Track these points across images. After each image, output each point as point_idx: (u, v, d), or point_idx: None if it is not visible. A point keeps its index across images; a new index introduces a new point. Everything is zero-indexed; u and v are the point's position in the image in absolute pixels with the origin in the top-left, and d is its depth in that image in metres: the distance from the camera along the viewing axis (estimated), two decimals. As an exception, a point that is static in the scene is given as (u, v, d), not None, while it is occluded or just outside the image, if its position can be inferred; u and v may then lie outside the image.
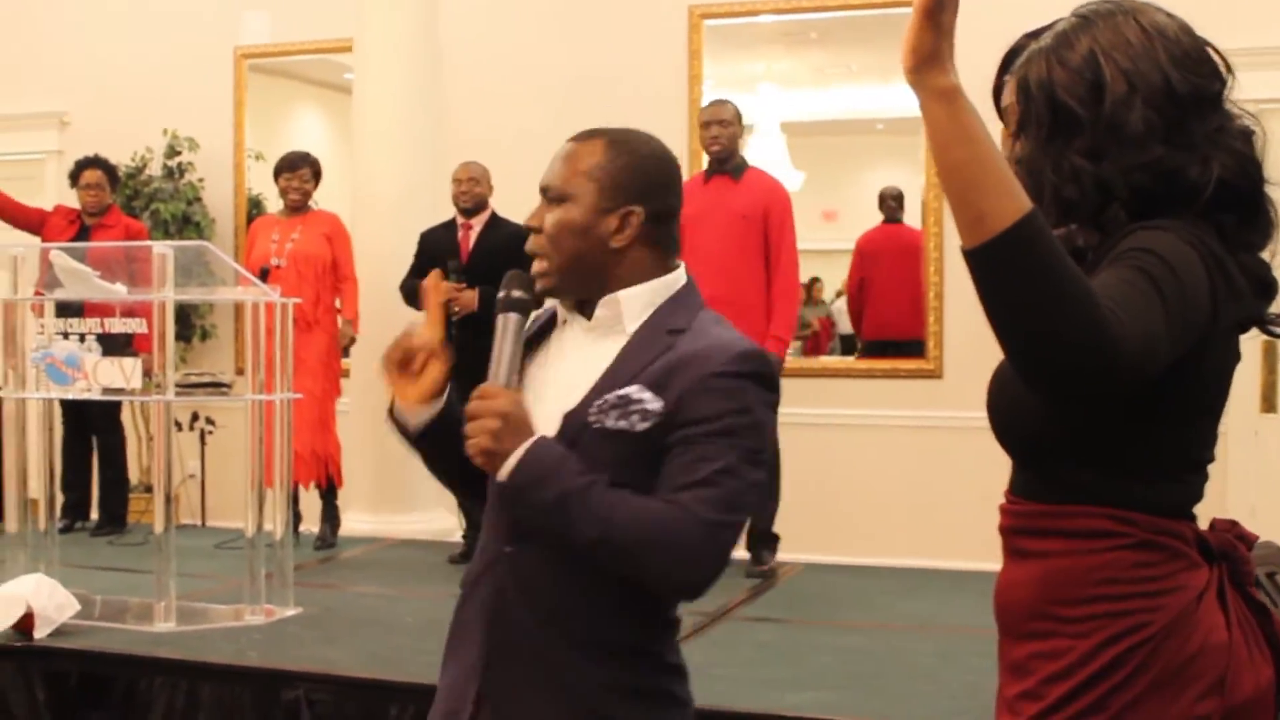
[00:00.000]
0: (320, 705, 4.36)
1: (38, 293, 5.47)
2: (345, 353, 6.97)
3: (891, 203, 7.91)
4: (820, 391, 7.43)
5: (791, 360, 7.20)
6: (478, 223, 6.41)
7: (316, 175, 6.88)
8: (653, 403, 1.93)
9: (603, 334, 2.05)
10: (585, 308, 2.07)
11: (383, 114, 7.29)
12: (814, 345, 9.03)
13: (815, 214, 8.97)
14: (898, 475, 7.26)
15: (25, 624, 4.84)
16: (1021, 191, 1.50)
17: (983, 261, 1.50)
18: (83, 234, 7.17)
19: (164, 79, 9.01)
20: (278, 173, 6.86)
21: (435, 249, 6.37)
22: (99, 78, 9.20)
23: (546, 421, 1.99)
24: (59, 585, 4.97)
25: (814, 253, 8.21)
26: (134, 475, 7.92)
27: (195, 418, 7.81)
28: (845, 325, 8.83)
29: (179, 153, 8.85)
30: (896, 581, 6.18)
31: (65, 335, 5.27)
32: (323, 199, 7.24)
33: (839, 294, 9.21)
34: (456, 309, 6.12)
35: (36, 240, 7.07)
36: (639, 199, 2.03)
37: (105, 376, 5.22)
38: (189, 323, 8.35)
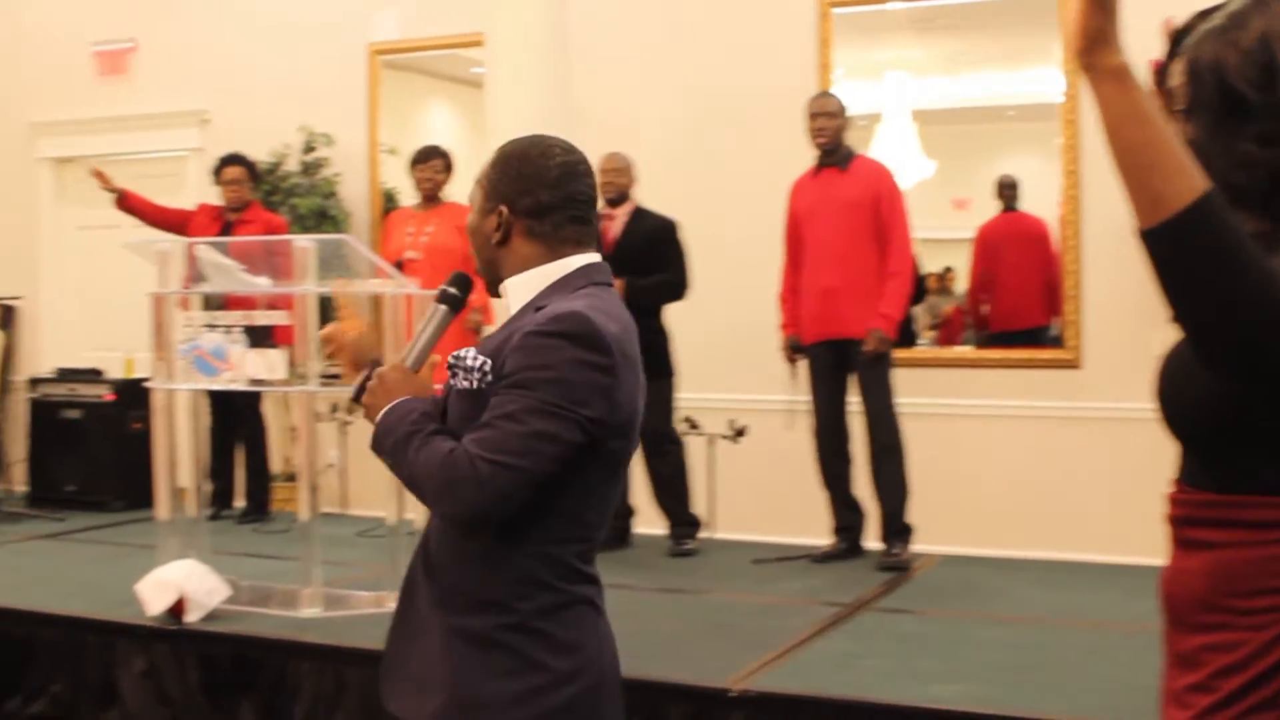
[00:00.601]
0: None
1: (185, 287, 5.60)
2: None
3: (1007, 191, 7.81)
4: (954, 381, 7.36)
5: (924, 350, 7.15)
6: (622, 213, 6.43)
7: (449, 167, 6.95)
8: (474, 360, 2.17)
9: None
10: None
11: (513, 106, 7.32)
12: (947, 335, 8.94)
13: (946, 202, 8.87)
14: (1033, 466, 7.16)
15: (178, 608, 4.98)
16: (1197, 170, 1.48)
17: (1161, 241, 1.48)
18: (225, 230, 7.32)
19: (300, 76, 9.18)
20: (412, 165, 6.95)
21: None
22: (238, 76, 9.39)
23: None
24: (210, 571, 5.10)
25: (945, 242, 8.14)
26: (275, 465, 8.08)
27: (334, 408, 7.95)
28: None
29: (315, 148, 9.01)
30: (1036, 574, 6.09)
31: (211, 328, 5.39)
32: (453, 194, 7.32)
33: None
34: None
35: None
36: (504, 199, 2.27)
37: (251, 368, 5.35)
38: (326, 315, 8.48)
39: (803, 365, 6.21)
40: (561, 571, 2.18)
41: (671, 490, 6.43)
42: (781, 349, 6.27)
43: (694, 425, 6.80)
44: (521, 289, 2.27)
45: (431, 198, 6.90)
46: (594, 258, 2.29)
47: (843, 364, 6.08)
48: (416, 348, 2.33)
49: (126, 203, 7.52)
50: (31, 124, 10.21)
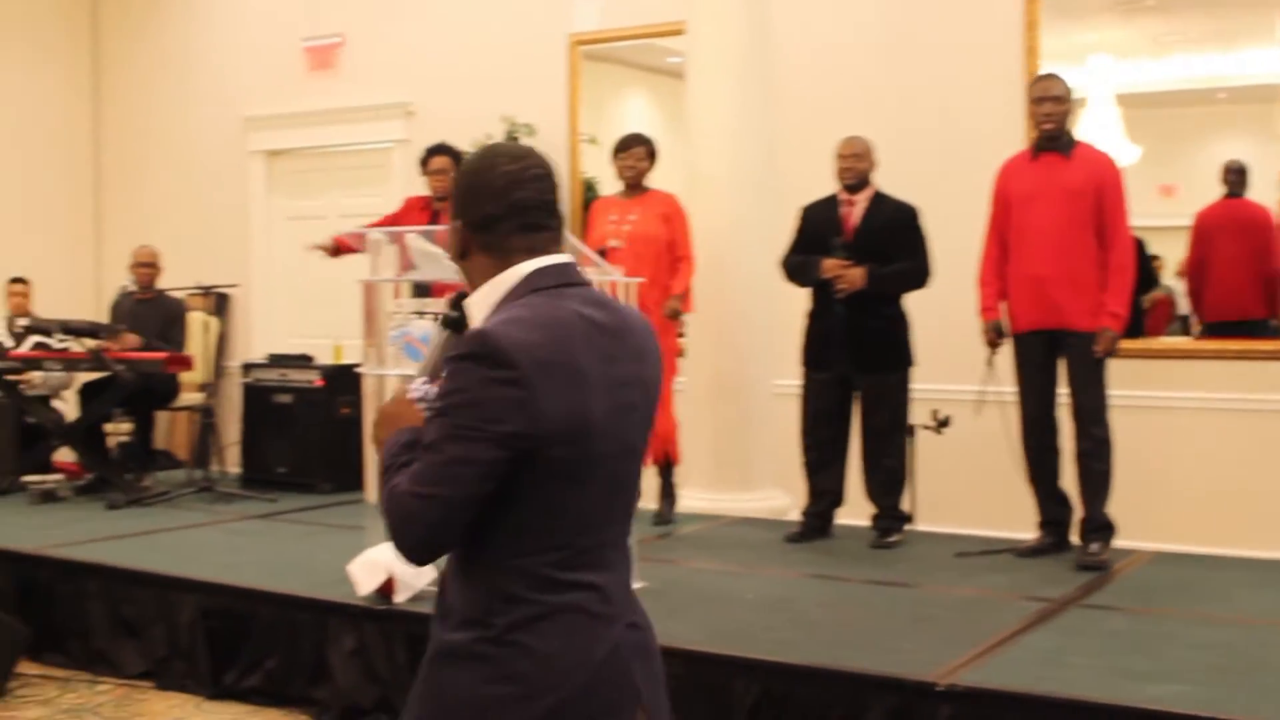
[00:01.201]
0: (667, 679, 4.42)
1: (396, 275, 5.72)
2: (679, 332, 7.05)
3: (1233, 176, 7.53)
4: (1160, 373, 7.16)
5: (1130, 342, 6.94)
6: (861, 198, 6.34)
7: (651, 155, 6.94)
8: (418, 391, 2.25)
9: None
10: None
11: (715, 94, 7.34)
12: (1153, 325, 8.69)
13: (1151, 189, 8.62)
14: (1248, 462, 6.93)
15: (387, 588, 5.09)
16: None
17: None
18: (434, 219, 7.45)
19: (502, 67, 9.31)
20: (614, 154, 6.97)
21: (817, 225, 6.37)
22: (442, 69, 9.58)
23: None
24: (418, 553, 5.19)
25: (1150, 229, 7.90)
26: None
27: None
28: (1184, 305, 8.47)
29: (516, 138, 9.13)
30: (1252, 573, 5.87)
31: (420, 315, 5.49)
32: (656, 181, 7.33)
33: (1178, 273, 8.83)
34: (842, 286, 6.13)
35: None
36: (459, 214, 2.28)
37: (458, 354, 5.42)
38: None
39: (1003, 353, 6.08)
40: (536, 583, 2.16)
41: (890, 484, 6.35)
42: (983, 334, 6.13)
43: (942, 422, 6.74)
44: (479, 308, 2.26)
45: (634, 186, 6.91)
46: (543, 262, 2.24)
47: (1054, 354, 5.93)
48: (423, 372, 2.32)
49: (341, 249, 7.50)
50: (245, 118, 10.55)
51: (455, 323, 2.30)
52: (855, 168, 6.32)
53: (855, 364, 6.23)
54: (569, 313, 2.18)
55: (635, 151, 6.90)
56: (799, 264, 6.36)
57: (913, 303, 6.36)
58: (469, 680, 2.16)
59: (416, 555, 2.17)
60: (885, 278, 6.17)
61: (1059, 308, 5.84)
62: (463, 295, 2.31)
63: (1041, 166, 5.95)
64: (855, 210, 6.33)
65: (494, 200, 2.24)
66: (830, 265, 6.19)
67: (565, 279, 2.24)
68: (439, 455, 2.09)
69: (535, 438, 2.09)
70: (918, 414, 6.53)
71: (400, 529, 2.12)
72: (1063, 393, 5.95)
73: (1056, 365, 5.94)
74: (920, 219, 6.28)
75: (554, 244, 2.26)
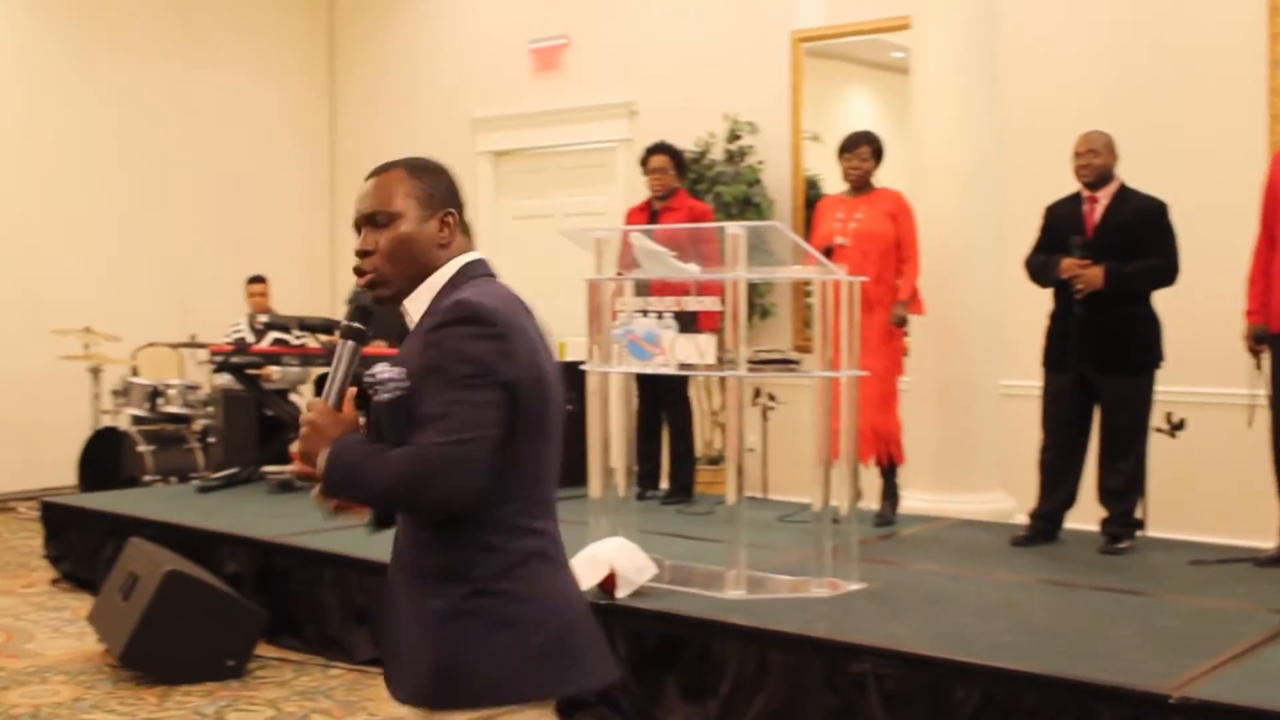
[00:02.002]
0: (888, 680, 4.36)
1: (619, 273, 5.77)
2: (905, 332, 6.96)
3: None
4: None
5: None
6: (1104, 195, 6.15)
7: (877, 154, 6.85)
8: (388, 372, 2.34)
9: None
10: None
11: (941, 89, 7.23)
12: None
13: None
14: None
15: (608, 583, 5.14)
16: None
17: None
18: (652, 217, 7.51)
19: (725, 65, 9.34)
20: (840, 153, 6.91)
21: (1061, 223, 6.22)
22: (665, 68, 9.65)
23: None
24: (639, 549, 5.24)
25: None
26: (698, 448, 8.23)
27: (757, 393, 8.05)
28: None
29: (739, 136, 9.14)
30: None
31: (644, 313, 5.53)
32: (879, 180, 7.24)
33: None
34: (1080, 286, 5.99)
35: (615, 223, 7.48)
36: (445, 205, 2.47)
37: (681, 352, 5.46)
38: (749, 301, 8.58)
39: (1267, 356, 5.82)
40: (509, 532, 2.34)
41: (1127, 489, 6.14)
42: (1244, 338, 5.86)
43: (1177, 425, 6.53)
44: (419, 299, 2.44)
45: (860, 186, 6.84)
46: (477, 255, 2.50)
47: None
48: (333, 387, 2.43)
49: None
50: (473, 119, 10.80)
51: (359, 335, 2.48)
52: (1091, 164, 6.12)
53: (1095, 365, 6.05)
54: (508, 290, 2.44)
55: (860, 151, 6.82)
56: (1041, 264, 6.21)
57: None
58: (467, 636, 2.31)
59: (462, 504, 2.28)
60: (1126, 276, 5.96)
61: None
62: (362, 307, 2.50)
63: None
64: (1098, 207, 6.14)
65: (459, 192, 2.53)
66: (1068, 265, 6.02)
67: (490, 270, 2.50)
68: (462, 404, 2.26)
69: (515, 387, 2.31)
70: (1153, 417, 6.33)
71: (438, 482, 2.24)
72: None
73: None
74: (1168, 214, 6.05)
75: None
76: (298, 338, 8.14)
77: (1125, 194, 6.13)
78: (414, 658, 2.37)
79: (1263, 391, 5.79)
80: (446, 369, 2.27)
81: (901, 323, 6.67)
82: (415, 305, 2.45)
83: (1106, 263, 5.94)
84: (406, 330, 2.48)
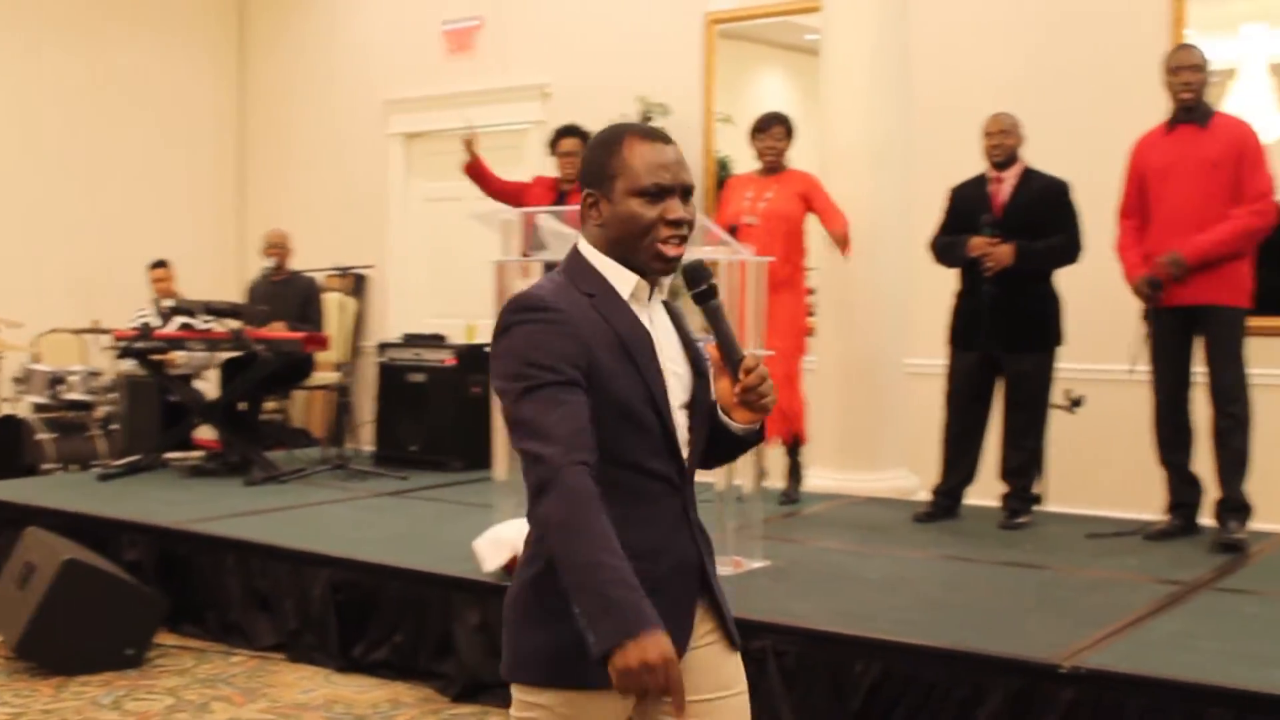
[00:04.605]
0: (787, 657, 4.39)
1: (524, 254, 5.74)
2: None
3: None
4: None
5: (1268, 319, 6.67)
6: (1010, 176, 6.20)
7: (790, 134, 6.86)
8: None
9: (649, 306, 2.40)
10: (655, 285, 2.41)
11: (851, 71, 7.25)
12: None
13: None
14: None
15: (511, 565, 5.12)
16: None
17: None
18: (561, 199, 7.48)
19: (637, 47, 9.32)
20: (753, 134, 6.90)
21: (967, 204, 6.27)
22: (577, 49, 9.62)
23: (681, 383, 2.38)
24: (543, 530, 5.22)
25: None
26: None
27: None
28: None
29: (651, 118, 9.12)
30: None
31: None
32: (791, 161, 7.25)
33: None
34: (990, 264, 6.04)
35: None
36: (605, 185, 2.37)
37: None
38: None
39: (1139, 329, 5.90)
40: None
41: (1027, 465, 6.23)
42: (1136, 293, 5.87)
43: (1076, 401, 6.61)
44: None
45: (773, 167, 6.85)
46: None
47: (1191, 332, 5.75)
48: (735, 342, 2.40)
49: (474, 169, 7.76)
50: (385, 101, 10.71)
51: (715, 291, 2.42)
52: (1003, 144, 6.18)
53: (1002, 343, 6.11)
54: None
55: (774, 131, 6.82)
56: (947, 244, 6.26)
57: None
58: (540, 613, 2.29)
59: (543, 498, 2.26)
60: (1034, 253, 6.03)
61: (1195, 284, 5.66)
62: (698, 268, 2.42)
63: (1177, 139, 5.78)
64: (1004, 187, 6.20)
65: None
66: (978, 243, 6.07)
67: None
68: (518, 410, 2.26)
69: None
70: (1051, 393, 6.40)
71: (539, 492, 2.23)
72: (1199, 371, 5.79)
73: (1193, 343, 5.78)
74: (1071, 194, 6.12)
75: None
76: (204, 323, 8.03)
77: (1030, 175, 6.20)
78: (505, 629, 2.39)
79: (1142, 366, 5.88)
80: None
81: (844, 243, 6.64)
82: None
83: (1015, 240, 6.01)
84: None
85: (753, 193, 6.79)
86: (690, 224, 2.33)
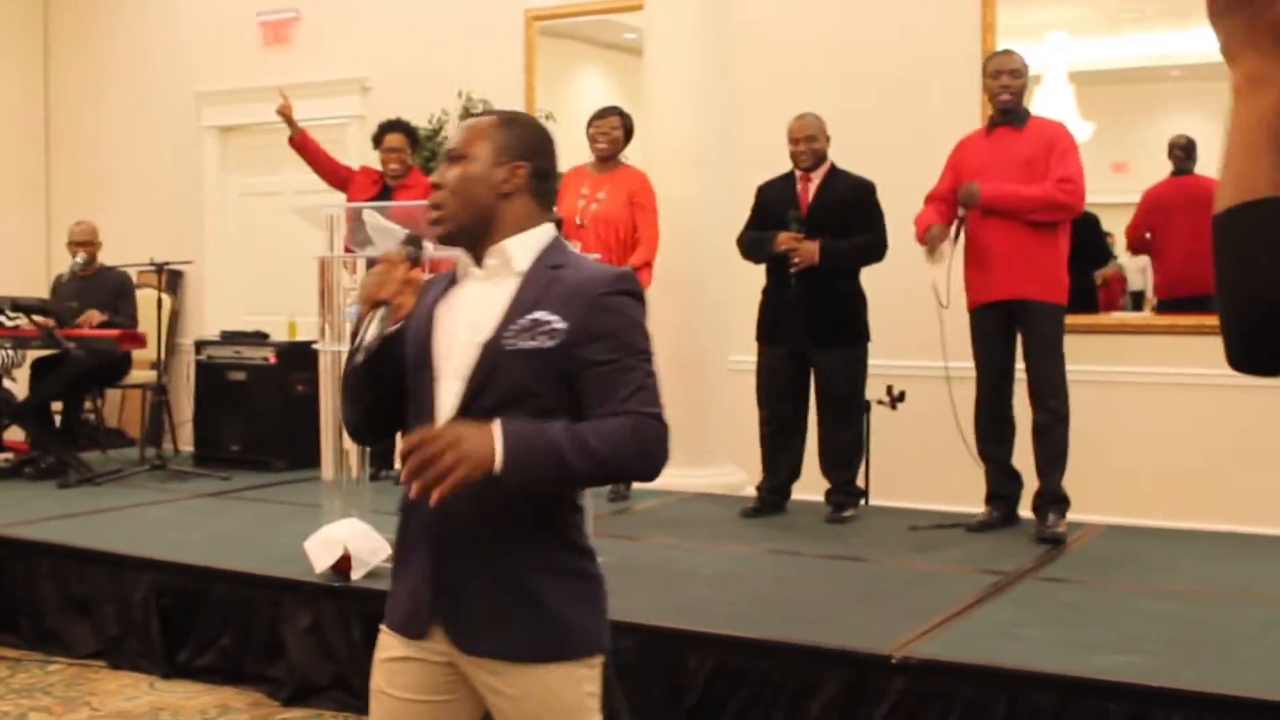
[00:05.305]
0: (623, 653, 4.39)
1: (347, 249, 5.68)
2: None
3: (1179, 153, 7.53)
4: (1113, 348, 7.22)
5: (1083, 317, 6.94)
6: (817, 175, 6.31)
7: (626, 128, 6.88)
8: (559, 323, 2.31)
9: (495, 279, 2.42)
10: (479, 259, 2.45)
11: (671, 70, 7.32)
12: (1107, 300, 8.74)
13: (1104, 166, 8.65)
14: (1201, 436, 6.99)
15: (342, 565, 5.07)
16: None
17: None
18: (384, 195, 7.40)
19: (458, 42, 9.27)
20: (588, 124, 6.90)
21: (774, 202, 6.37)
22: (397, 44, 9.52)
23: (464, 353, 2.37)
24: (373, 530, 5.18)
25: (1103, 206, 7.92)
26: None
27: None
28: (1135, 281, 8.51)
29: (472, 113, 9.07)
30: (1203, 546, 5.92)
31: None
32: (629, 157, 7.24)
33: (1126, 248, 8.87)
34: (797, 260, 6.14)
35: (343, 199, 7.36)
36: (526, 156, 2.44)
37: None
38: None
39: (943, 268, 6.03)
40: (581, 493, 2.54)
41: (846, 458, 6.36)
42: (921, 241, 6.02)
43: (898, 397, 6.75)
44: (523, 248, 2.41)
45: (607, 158, 6.86)
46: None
47: (1010, 327, 5.95)
48: (368, 330, 2.43)
49: (301, 142, 7.62)
50: (197, 93, 10.46)
51: (416, 262, 2.47)
52: (811, 149, 6.31)
53: (811, 339, 6.24)
54: None
55: (609, 120, 6.84)
56: (755, 239, 6.37)
57: (868, 278, 6.37)
58: (570, 591, 2.37)
59: (663, 466, 2.36)
60: (840, 252, 6.17)
61: (1014, 279, 5.86)
62: (415, 237, 2.53)
63: (995, 140, 5.99)
64: (811, 186, 6.34)
65: (551, 160, 2.50)
66: (784, 238, 6.19)
67: None
68: (652, 376, 2.34)
69: None
70: (873, 389, 6.55)
71: (660, 450, 2.31)
72: (1019, 367, 5.99)
73: (1013, 338, 5.97)
74: (876, 194, 6.29)
75: None
76: (11, 319, 7.76)
77: (836, 174, 6.35)
78: (508, 611, 2.35)
79: (964, 364, 6.05)
80: (633, 340, 2.33)
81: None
82: (522, 250, 2.41)
83: (821, 238, 6.14)
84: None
85: (587, 190, 6.79)
86: (440, 188, 2.43)
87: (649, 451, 2.29)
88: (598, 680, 2.40)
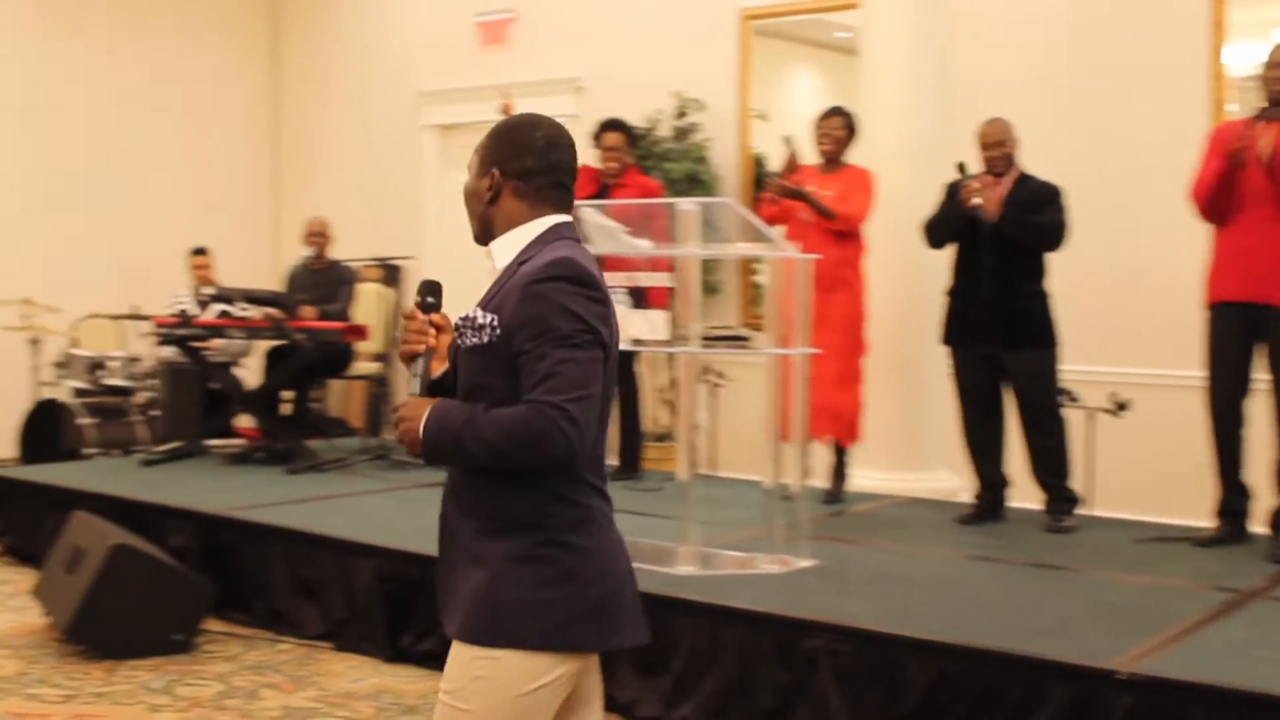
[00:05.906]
0: (841, 656, 4.40)
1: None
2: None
3: None
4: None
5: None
6: (1006, 179, 6.23)
7: (850, 128, 6.84)
8: (484, 318, 2.43)
9: (493, 278, 2.57)
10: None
11: (888, 70, 7.26)
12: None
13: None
14: None
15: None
16: None
17: None
18: (602, 192, 7.48)
19: (672, 42, 9.34)
20: (814, 124, 6.87)
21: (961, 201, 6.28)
22: (612, 44, 9.63)
23: None
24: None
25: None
26: (645, 424, 8.22)
27: (705, 370, 8.06)
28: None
29: (686, 113, 9.14)
30: None
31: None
32: (854, 157, 7.19)
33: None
34: (976, 201, 6.07)
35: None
36: (496, 163, 2.57)
37: (634, 328, 5.47)
38: (706, 277, 8.58)
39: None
40: (578, 487, 2.47)
41: (1052, 465, 6.22)
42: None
43: (1074, 399, 6.60)
44: (506, 246, 2.57)
45: (832, 160, 6.83)
46: (567, 218, 2.60)
47: (1253, 333, 5.65)
48: (418, 378, 2.56)
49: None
50: (419, 93, 10.73)
51: (432, 308, 2.64)
52: (1001, 154, 6.22)
53: (1001, 341, 6.11)
54: (590, 257, 2.53)
55: (832, 120, 6.82)
56: (937, 215, 6.31)
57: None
58: (528, 582, 2.42)
59: (568, 460, 2.38)
60: (1021, 221, 6.05)
61: (1262, 280, 5.56)
62: (433, 283, 2.68)
63: (1260, 133, 5.65)
64: (999, 190, 6.21)
65: (534, 156, 2.56)
66: (969, 185, 6.09)
67: (578, 235, 2.61)
68: (571, 362, 2.36)
69: (607, 349, 2.44)
70: (1096, 397, 6.40)
71: (553, 440, 2.33)
72: (1261, 377, 5.70)
73: (1253, 345, 5.69)
74: (1063, 197, 6.12)
75: (571, 205, 2.62)
76: (242, 310, 8.06)
77: (1024, 179, 6.22)
78: (464, 594, 2.46)
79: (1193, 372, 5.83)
80: (554, 325, 2.37)
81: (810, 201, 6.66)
82: (502, 249, 2.58)
83: (1006, 243, 6.04)
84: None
85: (813, 189, 6.76)
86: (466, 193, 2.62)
87: (538, 442, 2.33)
88: (508, 671, 2.41)
